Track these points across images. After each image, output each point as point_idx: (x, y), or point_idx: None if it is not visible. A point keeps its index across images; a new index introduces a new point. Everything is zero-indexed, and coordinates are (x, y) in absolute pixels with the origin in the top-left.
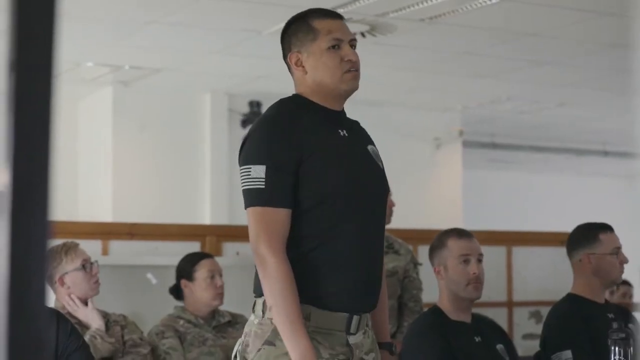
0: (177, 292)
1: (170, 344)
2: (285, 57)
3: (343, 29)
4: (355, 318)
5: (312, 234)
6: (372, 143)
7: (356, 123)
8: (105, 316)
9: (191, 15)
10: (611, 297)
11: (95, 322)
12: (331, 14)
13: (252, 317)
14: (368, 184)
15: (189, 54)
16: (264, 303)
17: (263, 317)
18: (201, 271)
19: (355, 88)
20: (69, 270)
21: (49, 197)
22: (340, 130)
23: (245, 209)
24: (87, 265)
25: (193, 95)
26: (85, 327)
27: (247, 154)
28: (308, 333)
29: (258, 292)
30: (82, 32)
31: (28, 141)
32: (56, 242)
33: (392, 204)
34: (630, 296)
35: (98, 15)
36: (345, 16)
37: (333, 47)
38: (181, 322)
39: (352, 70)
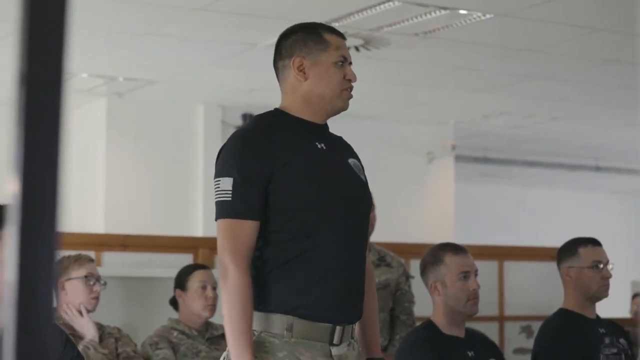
0: (175, 302)
1: (164, 354)
2: (280, 60)
3: (347, 50)
4: (339, 329)
5: (291, 244)
6: (354, 157)
7: (339, 138)
8: (100, 328)
9: (186, 27)
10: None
11: (89, 333)
12: (339, 33)
13: None
14: (346, 195)
15: (183, 66)
16: None
17: None
18: (193, 281)
19: (347, 108)
20: (71, 277)
21: (58, 208)
22: (317, 143)
23: (215, 220)
24: (90, 278)
25: (186, 107)
26: (80, 337)
27: (218, 167)
28: (290, 344)
29: None
30: (77, 43)
31: (38, 152)
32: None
33: (374, 218)
34: None
35: (93, 26)
36: (340, 30)
37: (339, 62)
38: (175, 333)
39: (349, 90)
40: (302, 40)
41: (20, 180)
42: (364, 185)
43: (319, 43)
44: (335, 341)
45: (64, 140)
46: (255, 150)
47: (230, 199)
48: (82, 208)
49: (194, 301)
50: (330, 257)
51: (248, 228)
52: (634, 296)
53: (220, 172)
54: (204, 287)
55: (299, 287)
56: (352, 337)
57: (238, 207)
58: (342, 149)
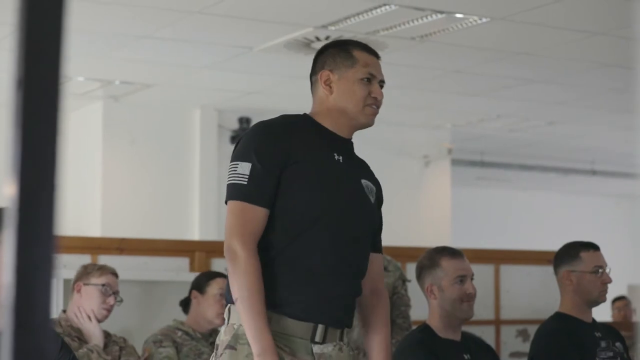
0: (186, 304)
1: (167, 353)
2: (314, 74)
3: (378, 68)
4: (321, 327)
5: (280, 241)
6: (370, 180)
7: (362, 160)
8: (107, 336)
9: (182, 30)
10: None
11: (95, 338)
12: (372, 51)
13: (222, 327)
14: (349, 208)
15: (180, 69)
16: (229, 310)
17: (228, 323)
18: (213, 286)
19: (371, 124)
20: (90, 282)
21: (55, 211)
22: (335, 154)
23: (226, 202)
24: (107, 289)
25: (183, 111)
26: (85, 341)
27: (237, 152)
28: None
29: (228, 299)
30: (73, 46)
31: (35, 155)
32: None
33: None
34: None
35: (89, 29)
36: (336, 34)
37: (366, 79)
38: (179, 333)
39: (374, 106)
40: (332, 56)
41: (18, 183)
42: (370, 205)
43: (347, 59)
44: (317, 339)
45: (61, 144)
46: (275, 141)
47: (245, 183)
48: (79, 211)
49: (209, 306)
50: (318, 261)
51: (258, 214)
52: (615, 300)
53: (238, 157)
54: (222, 295)
55: (281, 285)
56: (342, 340)
57: (252, 192)
58: (359, 168)
